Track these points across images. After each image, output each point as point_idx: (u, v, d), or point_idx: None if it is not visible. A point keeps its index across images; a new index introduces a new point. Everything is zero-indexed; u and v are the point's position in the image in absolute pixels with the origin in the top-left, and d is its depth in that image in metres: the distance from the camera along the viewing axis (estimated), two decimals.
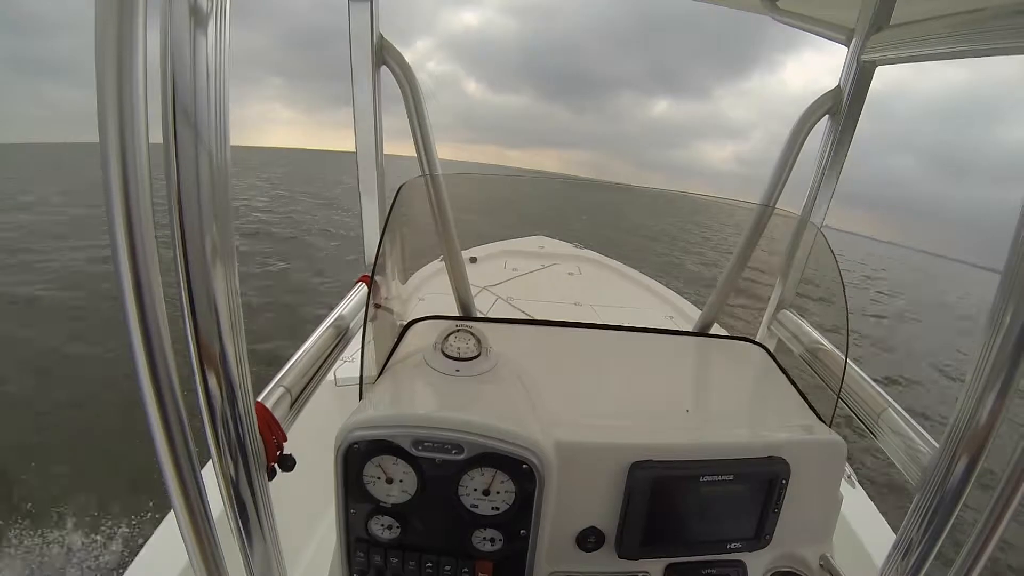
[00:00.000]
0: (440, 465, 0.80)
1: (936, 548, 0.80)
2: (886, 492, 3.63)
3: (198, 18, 0.48)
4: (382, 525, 0.83)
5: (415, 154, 1.37)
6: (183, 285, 0.52)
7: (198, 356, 0.55)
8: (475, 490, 0.81)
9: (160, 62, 0.48)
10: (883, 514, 1.70)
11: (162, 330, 0.50)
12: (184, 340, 0.54)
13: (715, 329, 1.58)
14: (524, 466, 0.80)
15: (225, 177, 0.52)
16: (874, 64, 1.29)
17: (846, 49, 1.33)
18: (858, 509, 1.67)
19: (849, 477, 1.14)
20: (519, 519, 0.83)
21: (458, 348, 0.97)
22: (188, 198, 0.50)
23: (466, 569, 0.85)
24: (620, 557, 0.92)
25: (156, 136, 0.48)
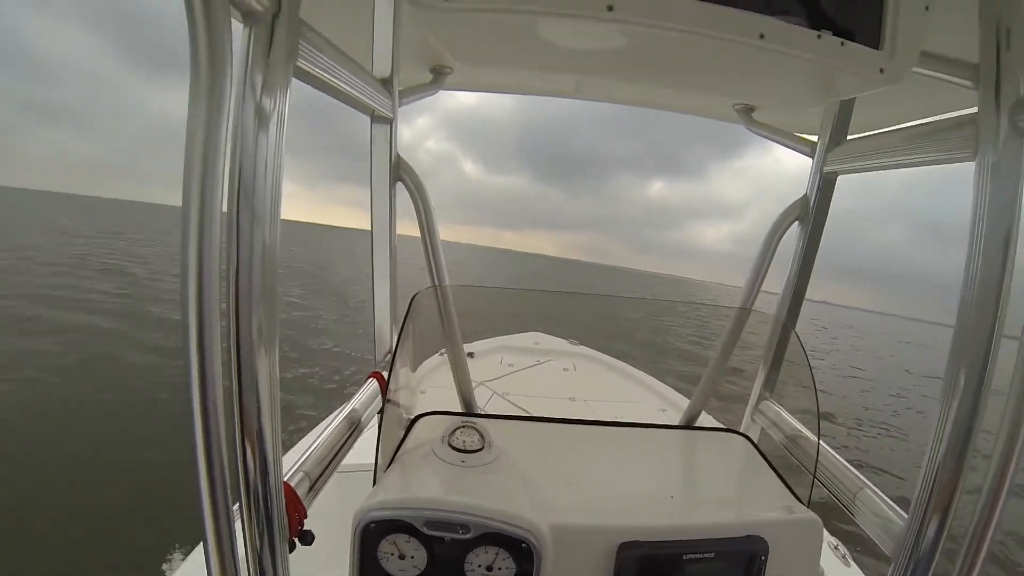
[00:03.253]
0: (449, 544, 0.87)
1: None
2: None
3: (262, 122, 0.60)
4: None
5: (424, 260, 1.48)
6: (233, 362, 0.59)
7: (240, 430, 0.62)
8: (480, 566, 0.87)
9: (230, 151, 0.57)
10: None
11: (218, 402, 0.57)
12: (230, 413, 0.61)
13: (703, 419, 1.65)
14: (523, 545, 0.87)
15: (274, 260, 0.61)
16: (835, 174, 1.44)
17: (811, 160, 1.49)
18: None
19: (844, 557, 1.16)
20: None
21: (464, 441, 1.07)
22: (244, 279, 0.58)
23: None
24: None
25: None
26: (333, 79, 0.92)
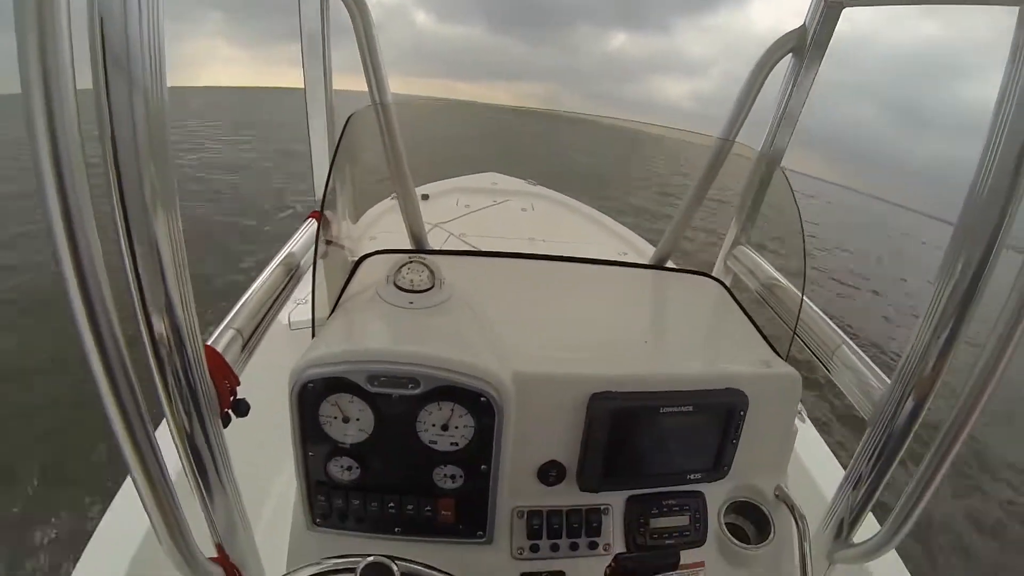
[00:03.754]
0: (396, 401, 0.79)
1: (884, 481, 0.85)
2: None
3: None
4: (341, 466, 0.82)
5: (365, 87, 1.30)
6: (122, 231, 0.48)
7: (142, 304, 0.51)
8: (433, 426, 0.80)
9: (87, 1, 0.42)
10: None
11: (100, 279, 0.46)
12: (127, 288, 0.50)
13: (671, 264, 1.60)
14: (482, 399, 0.79)
15: (163, 118, 0.48)
16: (841, 5, 1.25)
17: None
18: (808, 444, 1.75)
19: (799, 412, 1.21)
20: (479, 454, 0.83)
21: (411, 280, 0.95)
22: (123, 143, 0.46)
23: (428, 507, 0.86)
24: (582, 490, 0.94)
25: (84, 82, 0.44)
26: None
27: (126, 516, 1.27)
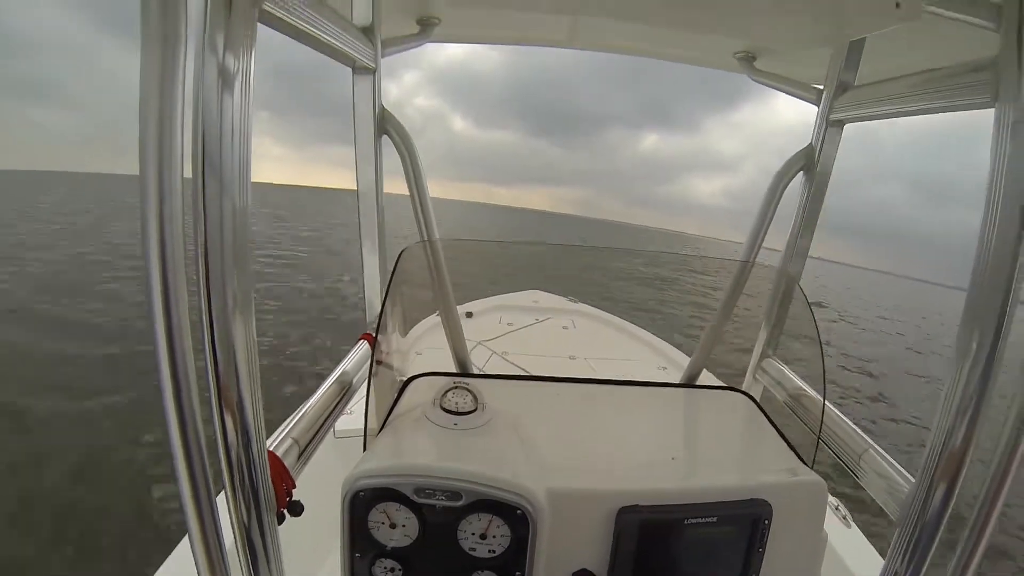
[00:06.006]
0: (440, 511, 0.85)
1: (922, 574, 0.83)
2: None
3: (226, 78, 0.55)
4: (385, 568, 0.86)
5: (412, 213, 1.44)
6: (206, 332, 0.57)
7: (218, 402, 0.59)
8: (473, 534, 0.85)
9: (192, 117, 0.54)
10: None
11: (190, 375, 0.54)
12: (206, 385, 0.58)
13: (704, 377, 1.63)
14: (518, 511, 0.85)
15: (245, 226, 0.57)
16: (842, 123, 1.38)
17: (817, 108, 1.42)
18: (854, 550, 1.67)
19: (845, 518, 1.16)
20: (515, 562, 0.87)
21: (456, 403, 1.04)
22: (213, 247, 0.55)
23: None
24: None
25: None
26: (306, 25, 0.85)
27: None
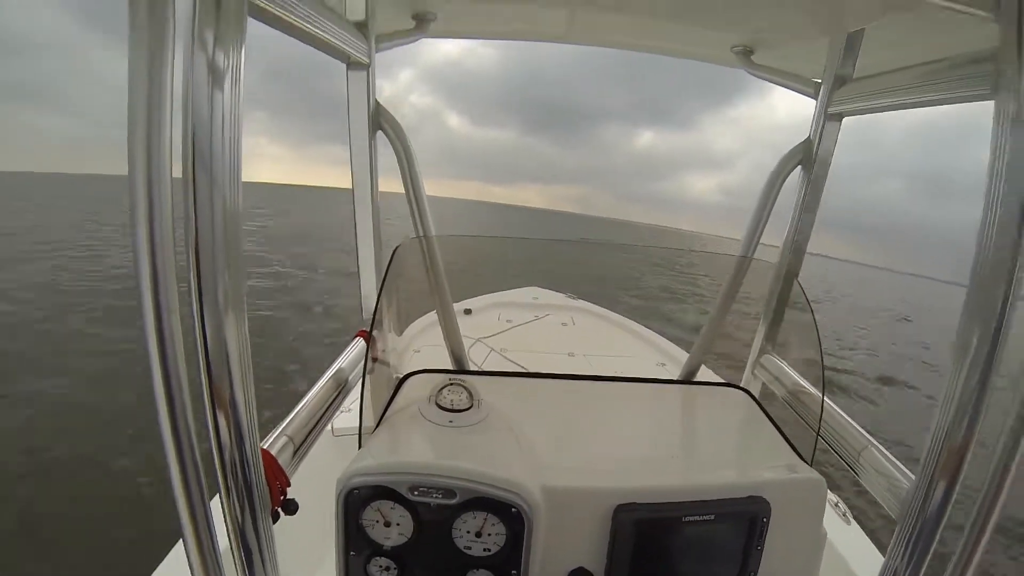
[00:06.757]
0: (435, 509, 0.84)
1: (922, 572, 0.83)
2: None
3: (216, 74, 0.54)
4: (380, 567, 0.86)
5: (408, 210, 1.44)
6: (199, 332, 0.56)
7: (211, 400, 0.59)
8: (468, 532, 0.85)
9: (182, 112, 0.53)
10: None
11: (180, 373, 0.54)
12: (197, 384, 0.58)
13: (703, 374, 1.63)
14: (513, 510, 0.84)
15: (237, 223, 0.57)
16: (840, 116, 1.37)
17: (815, 101, 1.42)
18: (854, 546, 1.66)
19: (844, 515, 1.16)
20: (510, 560, 0.86)
21: (451, 400, 1.03)
22: (204, 244, 0.55)
23: None
24: None
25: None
26: (298, 19, 0.84)
27: None
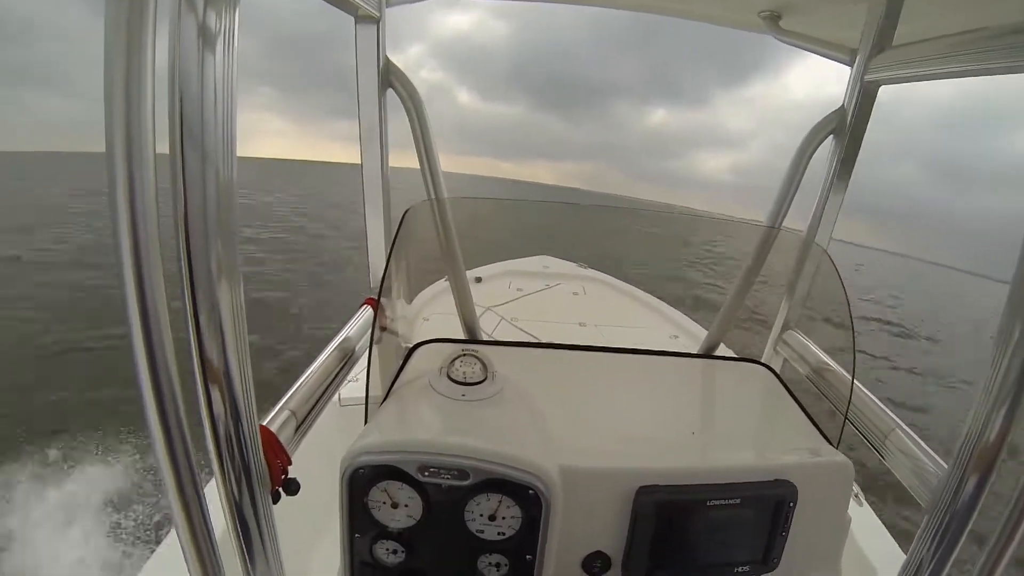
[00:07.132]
0: (446, 490, 0.79)
1: (947, 568, 0.79)
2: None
3: (207, 37, 0.48)
4: (387, 550, 0.82)
5: (419, 172, 1.39)
6: (188, 302, 0.52)
7: (203, 374, 0.55)
8: (481, 515, 0.80)
9: (168, 79, 0.48)
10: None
11: (166, 347, 0.50)
12: (188, 358, 0.54)
13: (721, 350, 1.57)
14: (530, 492, 0.79)
15: (231, 194, 0.52)
16: (877, 84, 1.30)
17: (850, 68, 1.35)
18: (866, 528, 1.65)
19: (856, 496, 1.12)
20: (525, 544, 0.82)
21: (464, 373, 0.97)
22: (194, 215, 0.50)
23: None
24: None
25: (162, 153, 0.49)
26: None
27: (166, 572, 1.31)
